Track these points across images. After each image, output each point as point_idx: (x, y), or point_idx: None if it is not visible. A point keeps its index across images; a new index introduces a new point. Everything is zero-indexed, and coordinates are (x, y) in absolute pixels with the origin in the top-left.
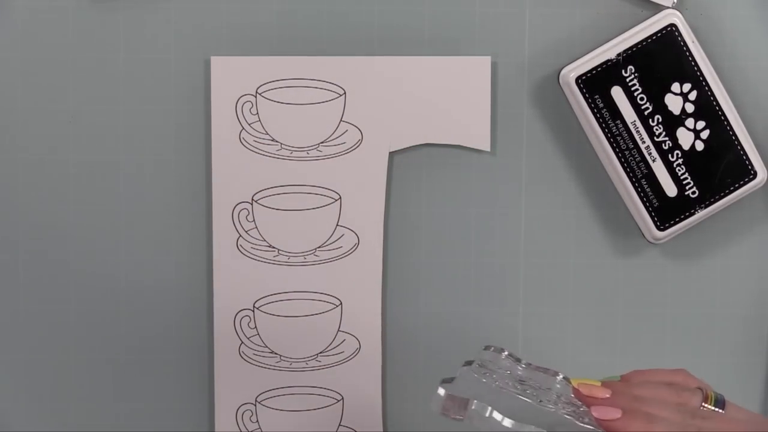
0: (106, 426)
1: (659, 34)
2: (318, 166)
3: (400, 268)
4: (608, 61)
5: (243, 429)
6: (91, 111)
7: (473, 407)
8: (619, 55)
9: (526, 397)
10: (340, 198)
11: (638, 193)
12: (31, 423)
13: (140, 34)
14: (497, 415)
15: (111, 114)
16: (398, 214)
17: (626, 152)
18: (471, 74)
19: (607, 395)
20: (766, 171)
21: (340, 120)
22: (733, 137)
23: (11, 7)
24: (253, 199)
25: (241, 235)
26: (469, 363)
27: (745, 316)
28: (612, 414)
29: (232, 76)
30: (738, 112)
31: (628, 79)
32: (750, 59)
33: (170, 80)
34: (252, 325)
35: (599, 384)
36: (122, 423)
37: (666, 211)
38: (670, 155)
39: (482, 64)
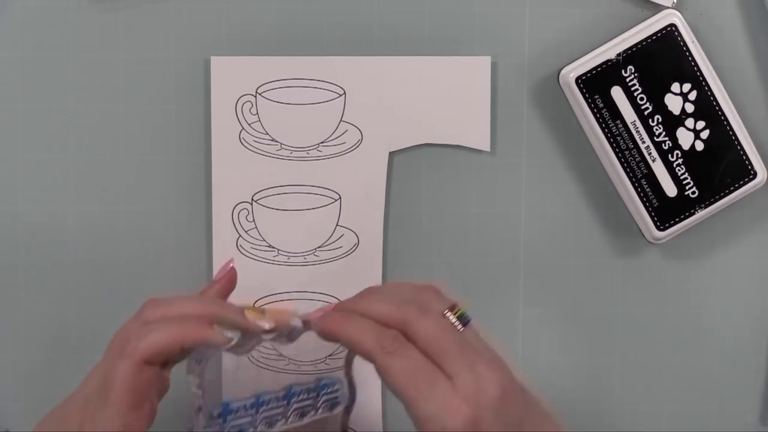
0: None
1: (659, 34)
2: (318, 166)
3: (400, 268)
4: (608, 61)
5: None
6: (91, 111)
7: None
8: (619, 55)
9: None
10: (340, 198)
11: (638, 193)
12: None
13: (140, 34)
14: None
15: (111, 114)
16: (398, 214)
17: (626, 152)
18: (471, 74)
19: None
20: (766, 171)
21: (340, 120)
22: (733, 137)
23: (11, 7)
24: (253, 199)
25: (240, 235)
26: None
27: (745, 316)
28: (323, 312)
29: (231, 76)
30: (738, 112)
31: (628, 79)
32: (750, 59)
33: (170, 80)
34: None
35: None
36: None
37: (666, 211)
38: (670, 155)
39: (482, 64)
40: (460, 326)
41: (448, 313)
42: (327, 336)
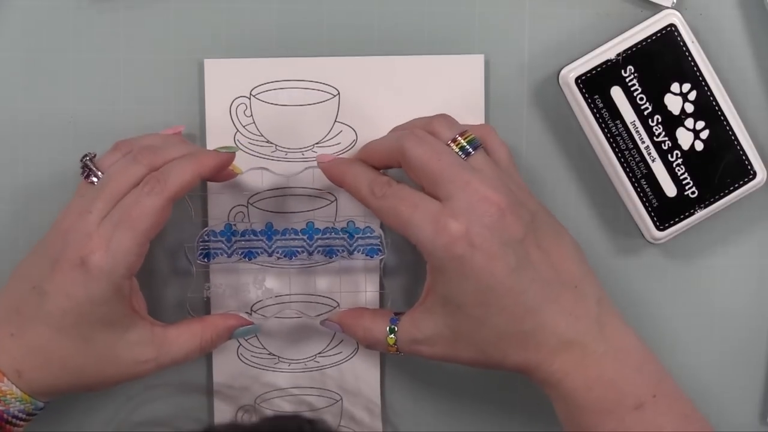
0: (105, 426)
1: (659, 34)
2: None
3: (394, 264)
4: (608, 61)
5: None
6: (91, 111)
7: None
8: (618, 55)
9: None
10: (336, 200)
11: (638, 193)
12: (31, 423)
13: (139, 34)
14: None
15: (111, 114)
16: None
17: (626, 152)
18: (465, 73)
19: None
20: (765, 171)
21: (335, 121)
22: (733, 137)
23: (11, 7)
24: (248, 202)
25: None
26: None
27: (745, 316)
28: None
29: (225, 78)
30: (738, 112)
31: (627, 80)
32: (750, 59)
33: (168, 81)
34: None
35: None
36: (121, 424)
37: (665, 211)
38: (669, 155)
39: (476, 63)
40: (471, 151)
41: (459, 138)
42: (332, 181)
